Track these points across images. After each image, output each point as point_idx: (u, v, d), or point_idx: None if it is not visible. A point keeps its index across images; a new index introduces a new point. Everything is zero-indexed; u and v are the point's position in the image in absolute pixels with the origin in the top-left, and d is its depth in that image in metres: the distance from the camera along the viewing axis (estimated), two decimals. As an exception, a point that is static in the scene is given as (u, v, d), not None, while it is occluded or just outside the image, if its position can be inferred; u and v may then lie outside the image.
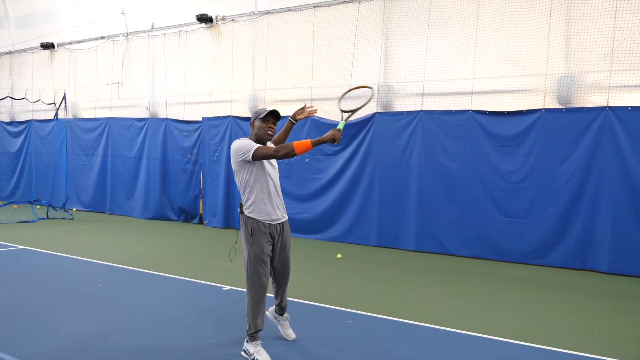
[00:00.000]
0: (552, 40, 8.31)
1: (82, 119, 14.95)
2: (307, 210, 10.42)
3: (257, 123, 4.21)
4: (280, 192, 4.33)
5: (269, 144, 4.32)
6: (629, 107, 7.68)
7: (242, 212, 4.23)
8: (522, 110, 8.46)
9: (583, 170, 8.01)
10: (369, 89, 4.41)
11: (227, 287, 6.38)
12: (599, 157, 7.90)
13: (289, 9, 10.90)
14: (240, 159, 4.08)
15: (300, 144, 3.96)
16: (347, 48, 10.21)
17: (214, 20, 11.99)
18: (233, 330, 4.77)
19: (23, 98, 14.38)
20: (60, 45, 15.27)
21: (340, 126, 4.28)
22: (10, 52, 16.74)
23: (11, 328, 4.73)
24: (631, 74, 7.77)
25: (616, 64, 7.87)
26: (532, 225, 8.35)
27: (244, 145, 4.07)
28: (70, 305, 5.50)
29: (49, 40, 15.27)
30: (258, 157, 4.02)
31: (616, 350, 4.56)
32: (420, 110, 9.36)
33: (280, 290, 4.51)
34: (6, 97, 15.31)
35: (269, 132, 4.21)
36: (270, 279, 4.44)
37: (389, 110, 9.81)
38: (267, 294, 4.25)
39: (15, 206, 14.34)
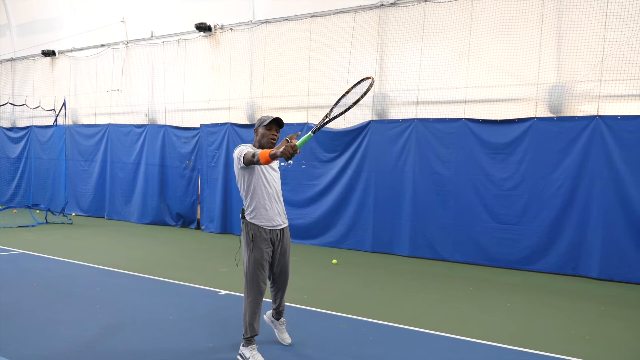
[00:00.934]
0: (544, 50, 8.47)
1: (82, 125, 15.07)
2: (303, 216, 10.53)
3: (261, 130, 4.30)
4: (281, 198, 4.41)
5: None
6: (618, 116, 7.82)
7: (243, 217, 4.31)
8: (515, 119, 8.61)
9: (574, 177, 8.15)
10: (367, 82, 4.02)
11: (224, 292, 6.48)
12: (589, 165, 8.04)
13: (286, 19, 11.05)
14: (238, 165, 4.19)
15: (264, 153, 3.79)
16: (343, 57, 10.36)
17: (213, 29, 12.14)
18: (229, 334, 4.86)
19: (23, 104, 14.50)
20: (61, 52, 15.40)
21: (301, 141, 3.75)
22: (12, 59, 16.87)
23: (10, 331, 4.82)
24: (621, 84, 7.91)
25: (606, 74, 8.02)
26: (524, 232, 8.48)
27: (240, 152, 4.15)
28: (69, 309, 5.59)
29: (50, 48, 15.41)
30: (246, 162, 4.03)
31: (606, 355, 4.67)
32: (414, 118, 9.50)
33: (279, 295, 4.59)
34: (7, 103, 15.42)
35: (272, 140, 4.29)
36: (269, 283, 4.54)
37: (384, 118, 9.96)
38: (265, 299, 4.35)
39: (15, 211, 14.44)
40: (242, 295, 4.33)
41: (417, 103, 9.63)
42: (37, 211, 13.82)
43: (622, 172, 7.77)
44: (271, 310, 4.76)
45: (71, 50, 15.14)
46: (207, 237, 11.41)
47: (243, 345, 4.26)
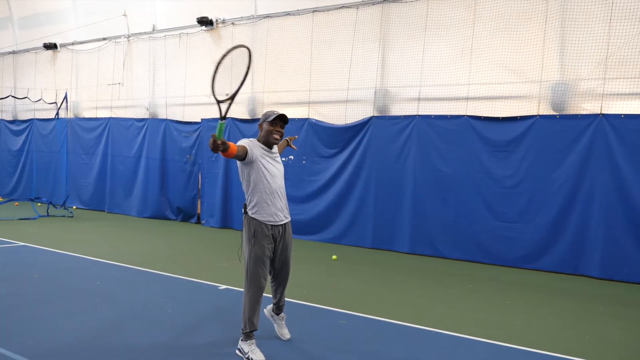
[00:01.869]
0: (547, 48, 8.43)
1: (83, 118, 15.06)
2: (303, 211, 10.52)
3: (265, 126, 4.29)
4: (284, 194, 4.38)
5: (247, 147, 4.14)
6: (622, 114, 7.78)
7: (245, 212, 4.31)
8: (517, 116, 8.57)
9: (576, 176, 8.11)
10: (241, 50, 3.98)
11: (224, 287, 6.48)
12: (592, 164, 8.00)
13: (288, 13, 11.01)
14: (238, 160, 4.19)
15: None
16: (344, 52, 10.33)
17: (214, 24, 12.10)
18: (228, 329, 4.86)
19: (25, 97, 14.49)
20: (62, 45, 15.39)
21: (218, 131, 3.71)
22: (14, 52, 16.85)
23: (10, 323, 4.82)
24: (625, 82, 7.87)
25: (610, 72, 7.97)
26: (525, 230, 8.45)
27: None
28: (69, 302, 5.60)
29: (52, 41, 15.39)
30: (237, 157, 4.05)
31: (606, 355, 4.66)
32: (416, 115, 9.47)
33: (279, 290, 4.59)
34: (8, 96, 15.46)
35: (275, 136, 4.27)
36: (270, 278, 4.54)
37: (385, 115, 9.93)
38: (265, 294, 4.34)
39: (17, 203, 14.44)
40: (242, 290, 4.33)
41: (419, 99, 9.60)
42: (39, 204, 13.82)
43: (624, 171, 7.73)
44: (271, 305, 4.76)
45: (73, 44, 15.12)
46: (207, 232, 11.41)
47: (242, 340, 4.26)
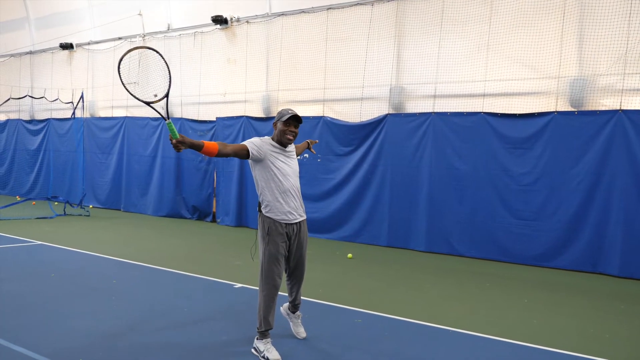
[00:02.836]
0: (565, 43, 8.30)
1: (99, 117, 15.20)
2: (318, 209, 10.50)
3: (279, 125, 4.27)
4: (298, 192, 4.36)
5: (247, 146, 4.15)
6: (642, 110, 7.65)
7: (260, 211, 4.31)
8: (534, 113, 8.46)
9: (595, 173, 7.99)
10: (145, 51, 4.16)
11: (239, 285, 6.49)
12: (611, 160, 7.87)
13: (302, 11, 10.99)
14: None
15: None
16: (359, 49, 10.28)
17: (229, 22, 12.12)
18: (244, 327, 4.86)
19: (42, 97, 14.64)
20: (79, 45, 15.53)
21: (171, 131, 3.79)
22: (31, 52, 17.05)
23: (28, 322, 4.86)
24: (645, 78, 7.73)
25: (630, 67, 7.83)
26: (542, 228, 8.35)
27: None
28: (85, 301, 5.64)
29: (68, 41, 15.54)
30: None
31: (627, 355, 4.58)
32: (432, 112, 9.40)
33: (295, 288, 4.58)
34: (26, 96, 15.65)
35: (288, 136, 4.26)
36: (285, 277, 4.53)
37: (401, 112, 9.86)
38: (281, 292, 4.33)
39: (34, 202, 14.61)
40: (257, 288, 4.32)
41: (434, 96, 9.52)
42: (56, 203, 13.98)
43: (645, 168, 7.60)
44: (288, 303, 4.75)
45: (89, 44, 15.25)
46: (222, 230, 11.44)
47: (257, 339, 4.26)
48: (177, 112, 13.44)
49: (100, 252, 8.28)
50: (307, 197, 10.47)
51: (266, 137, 4.33)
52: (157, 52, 4.09)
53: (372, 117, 10.06)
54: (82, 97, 13.73)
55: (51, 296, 5.78)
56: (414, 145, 9.55)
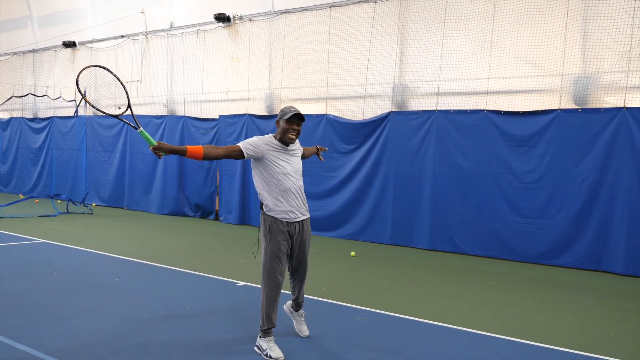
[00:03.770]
0: (569, 40, 8.26)
1: (102, 116, 15.20)
2: (321, 207, 10.49)
3: (282, 124, 4.26)
4: (300, 191, 4.34)
5: (241, 147, 4.19)
6: (646, 108, 7.61)
7: (262, 209, 4.31)
8: (538, 111, 8.42)
9: (599, 171, 7.95)
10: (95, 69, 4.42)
11: (242, 283, 6.49)
12: (615, 158, 7.83)
13: (305, 9, 10.96)
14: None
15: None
16: (362, 47, 10.25)
17: (232, 20, 12.10)
18: (247, 325, 4.85)
19: (45, 95, 14.64)
20: (81, 43, 15.53)
21: (147, 139, 3.94)
22: (34, 51, 17.07)
23: (30, 320, 4.87)
24: (649, 75, 7.69)
25: (634, 65, 7.79)
26: (546, 226, 8.31)
27: None
28: (88, 299, 5.64)
29: (71, 39, 15.54)
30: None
31: (630, 353, 4.56)
32: (435, 110, 9.37)
33: (298, 286, 4.58)
34: (28, 94, 15.65)
35: (291, 135, 4.25)
36: (288, 275, 4.53)
37: (404, 110, 9.84)
38: (284, 290, 4.32)
39: (37, 200, 14.63)
40: (260, 286, 4.31)
41: (437, 94, 9.50)
42: (59, 201, 14.00)
43: (649, 166, 7.57)
44: (291, 301, 4.75)
45: (91, 42, 15.25)
46: (225, 228, 11.44)
47: (260, 337, 4.25)
48: (179, 110, 13.44)
49: (103, 250, 8.28)
50: (310, 195, 10.40)
51: (269, 135, 4.32)
52: (105, 68, 4.37)
53: (375, 115, 10.04)
54: (84, 95, 13.70)
55: (54, 294, 5.78)
56: (417, 143, 9.53)
